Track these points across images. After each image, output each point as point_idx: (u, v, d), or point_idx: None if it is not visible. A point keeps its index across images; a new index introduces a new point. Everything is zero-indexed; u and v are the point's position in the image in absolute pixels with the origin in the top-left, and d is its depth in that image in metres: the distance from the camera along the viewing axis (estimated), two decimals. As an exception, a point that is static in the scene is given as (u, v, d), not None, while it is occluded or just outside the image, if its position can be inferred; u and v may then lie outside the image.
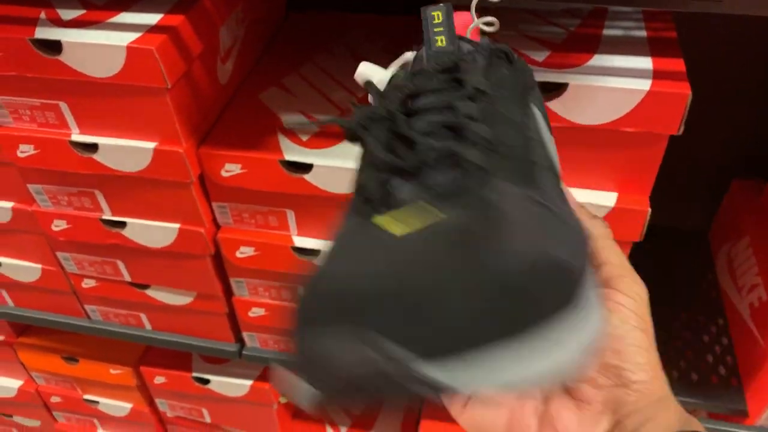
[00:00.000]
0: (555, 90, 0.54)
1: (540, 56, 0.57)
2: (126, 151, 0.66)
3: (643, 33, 0.60)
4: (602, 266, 0.28)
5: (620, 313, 0.26)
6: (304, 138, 0.68)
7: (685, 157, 0.80)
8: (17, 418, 1.22)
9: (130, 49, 0.58)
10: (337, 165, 0.64)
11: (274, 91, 0.76)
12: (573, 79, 0.54)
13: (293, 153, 0.66)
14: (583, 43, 0.59)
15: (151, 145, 0.65)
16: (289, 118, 0.69)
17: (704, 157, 0.94)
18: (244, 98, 0.74)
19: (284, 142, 0.67)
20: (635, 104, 0.53)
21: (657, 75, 0.54)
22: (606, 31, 0.60)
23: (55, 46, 0.59)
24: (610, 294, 0.27)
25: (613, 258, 0.28)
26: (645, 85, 0.53)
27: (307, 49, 0.82)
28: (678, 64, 0.55)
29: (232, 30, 0.72)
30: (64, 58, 0.60)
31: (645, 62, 0.56)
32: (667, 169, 0.59)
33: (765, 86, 0.87)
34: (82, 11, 0.63)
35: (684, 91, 0.52)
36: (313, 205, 0.70)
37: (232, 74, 0.74)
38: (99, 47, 0.58)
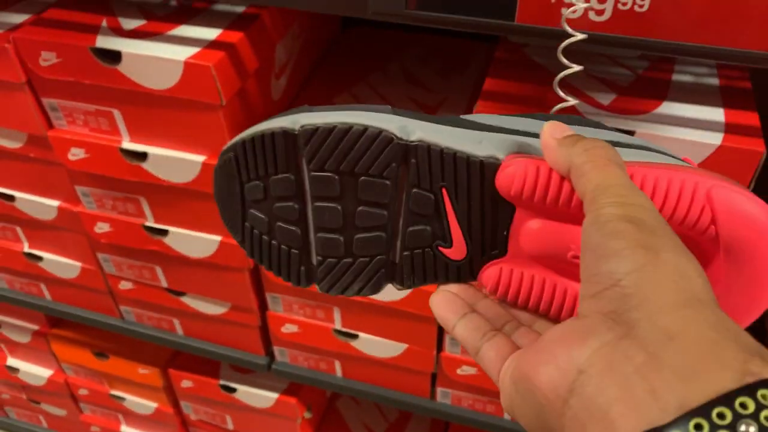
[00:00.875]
0: (620, 137, 0.52)
1: (606, 99, 0.55)
2: (175, 162, 0.66)
3: (716, 81, 0.57)
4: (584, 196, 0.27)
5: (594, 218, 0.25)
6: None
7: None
8: (45, 406, 1.23)
9: (188, 65, 0.57)
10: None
11: (325, 110, 0.75)
12: (639, 127, 0.52)
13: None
14: (651, 88, 0.57)
15: (200, 158, 0.65)
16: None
17: None
18: (295, 115, 0.74)
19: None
20: (704, 158, 0.51)
21: (729, 129, 0.51)
22: (676, 77, 0.58)
23: (114, 56, 0.59)
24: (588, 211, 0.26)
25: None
26: (716, 139, 0.50)
27: (361, 67, 0.81)
28: (752, 118, 0.52)
29: (288, 46, 0.72)
30: (123, 68, 0.60)
31: (717, 113, 0.53)
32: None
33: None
34: (143, 21, 0.63)
35: (758, 148, 0.50)
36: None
37: (285, 90, 0.74)
38: (157, 60, 0.58)
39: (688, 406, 0.18)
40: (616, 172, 0.27)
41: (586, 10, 0.42)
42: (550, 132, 0.30)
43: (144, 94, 0.61)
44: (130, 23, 0.63)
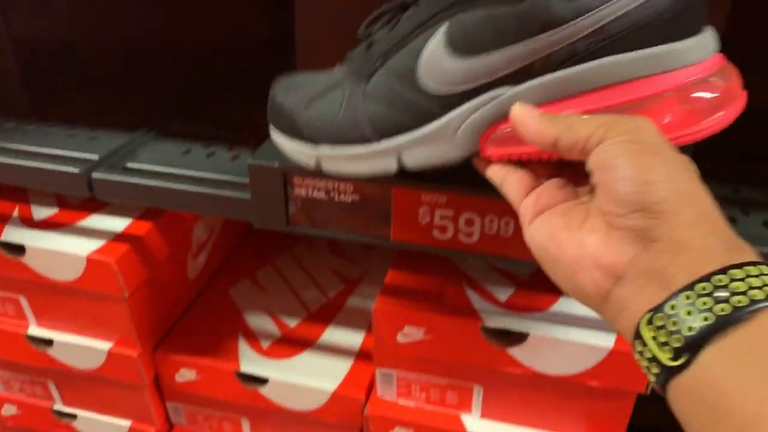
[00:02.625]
0: (517, 337, 0.52)
1: (504, 294, 0.55)
2: (80, 349, 0.64)
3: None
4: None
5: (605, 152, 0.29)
6: (265, 345, 0.66)
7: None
8: None
9: (90, 260, 0.57)
10: (293, 381, 0.61)
11: (245, 285, 0.74)
12: (535, 328, 0.51)
13: (250, 363, 0.63)
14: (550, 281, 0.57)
15: (106, 345, 0.63)
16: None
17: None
18: (214, 292, 0.73)
19: (244, 349, 0.65)
20: (599, 360, 0.51)
21: (622, 329, 0.51)
22: (575, 267, 0.59)
23: (19, 249, 0.59)
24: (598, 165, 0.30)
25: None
26: (609, 341, 0.50)
27: (286, 238, 0.82)
28: (646, 316, 0.53)
29: (208, 224, 0.73)
30: (27, 260, 0.59)
31: (611, 311, 0.53)
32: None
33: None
34: (55, 210, 0.63)
35: (650, 351, 0.49)
36: (270, 416, 0.66)
37: (204, 268, 0.74)
38: (60, 255, 0.58)
39: (695, 278, 0.25)
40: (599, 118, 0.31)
41: (456, 231, 0.43)
42: (526, 112, 0.33)
43: (49, 284, 0.60)
44: (41, 212, 0.63)
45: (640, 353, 0.26)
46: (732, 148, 0.54)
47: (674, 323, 0.25)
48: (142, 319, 0.63)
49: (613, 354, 0.50)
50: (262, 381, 0.62)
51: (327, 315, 0.70)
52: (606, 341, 0.50)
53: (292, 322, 0.69)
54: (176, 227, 0.65)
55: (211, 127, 0.63)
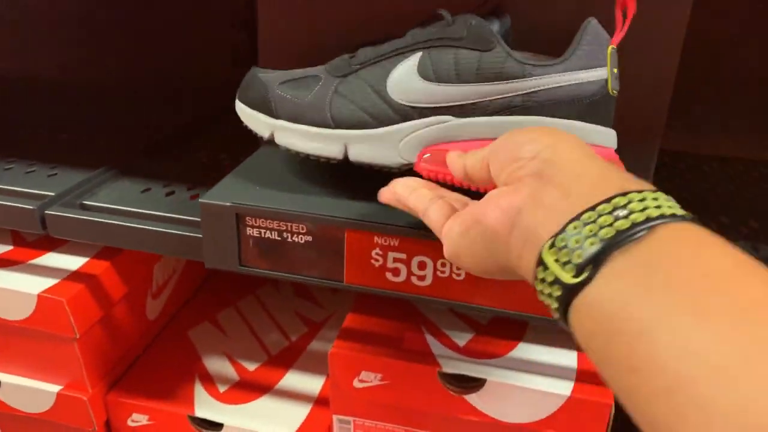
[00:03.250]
0: (474, 383, 0.51)
1: (462, 339, 0.55)
2: (29, 392, 0.62)
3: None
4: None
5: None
6: (222, 389, 0.64)
7: None
8: None
9: (41, 298, 0.56)
10: (248, 427, 0.59)
11: (205, 328, 0.73)
12: (491, 375, 0.51)
13: (205, 408, 0.61)
14: (509, 325, 0.57)
15: (55, 388, 0.61)
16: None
17: None
18: (173, 334, 0.72)
19: (199, 393, 0.63)
20: (557, 408, 0.50)
21: (581, 376, 0.51)
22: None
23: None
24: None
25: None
26: (566, 389, 0.49)
27: (250, 280, 0.81)
28: (604, 364, 0.52)
29: (169, 264, 0.72)
30: (-24, 298, 0.58)
31: (570, 358, 0.53)
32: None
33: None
34: (10, 247, 0.62)
35: (607, 400, 0.49)
36: (224, 464, 0.64)
37: (164, 309, 0.72)
38: (10, 293, 0.56)
39: (596, 200, 0.26)
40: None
41: (409, 275, 0.43)
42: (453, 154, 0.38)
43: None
44: (-4, 249, 0.62)
45: (542, 280, 0.27)
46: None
47: (576, 241, 0.26)
48: (95, 360, 0.61)
49: (570, 401, 0.49)
50: (217, 426, 0.60)
51: (288, 359, 0.68)
52: (564, 389, 0.50)
53: (251, 366, 0.67)
54: (135, 267, 0.64)
55: (172, 167, 0.63)
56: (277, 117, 0.45)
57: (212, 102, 0.84)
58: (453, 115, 0.41)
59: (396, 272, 0.43)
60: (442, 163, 0.40)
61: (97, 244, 0.62)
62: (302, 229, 0.43)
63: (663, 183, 0.62)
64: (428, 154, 0.42)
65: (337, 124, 0.43)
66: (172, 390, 0.63)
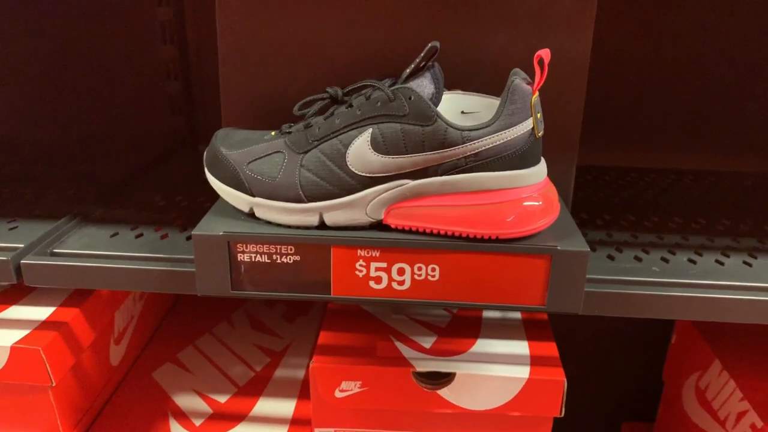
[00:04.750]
0: (445, 378, 0.57)
1: (427, 342, 0.61)
2: (-3, 450, 0.61)
3: (518, 315, 0.66)
4: None
5: None
6: (197, 422, 0.66)
7: (573, 406, 0.84)
8: None
9: (15, 350, 0.56)
10: (231, 454, 0.62)
11: (168, 368, 0.74)
12: (460, 368, 0.57)
13: (185, 442, 0.63)
14: (466, 326, 0.64)
15: (27, 442, 0.61)
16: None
17: (593, 405, 0.98)
18: (137, 378, 0.72)
19: (176, 429, 0.65)
20: (518, 391, 0.57)
21: (534, 361, 0.58)
22: (486, 314, 0.66)
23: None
24: None
25: None
26: (524, 373, 0.57)
27: (207, 318, 0.83)
28: (552, 349, 0.60)
29: (128, 310, 0.73)
30: (-60, 358, 0.57)
31: (522, 347, 0.60)
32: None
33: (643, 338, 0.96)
34: (-31, 305, 0.62)
35: (559, 377, 0.56)
36: (205, 496, 0.65)
37: (126, 354, 0.73)
38: (-19, 348, 0.56)
39: None
40: None
41: (390, 281, 0.49)
42: None
43: (-36, 382, 0.58)
44: (-47, 309, 0.61)
45: None
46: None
47: None
48: (68, 409, 0.61)
49: (529, 383, 0.56)
50: (199, 459, 0.62)
51: (256, 388, 0.71)
52: (522, 373, 0.57)
53: (222, 398, 0.69)
54: (99, 313, 0.65)
55: (133, 212, 0.65)
56: (252, 195, 0.50)
57: (155, 148, 0.86)
58: (409, 179, 0.47)
59: (378, 280, 0.49)
60: (407, 217, 0.48)
61: (64, 291, 0.63)
62: (290, 250, 0.48)
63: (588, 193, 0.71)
64: (394, 210, 0.48)
65: (310, 199, 0.48)
66: (148, 430, 0.65)
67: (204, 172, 0.54)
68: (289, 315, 0.85)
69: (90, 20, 0.85)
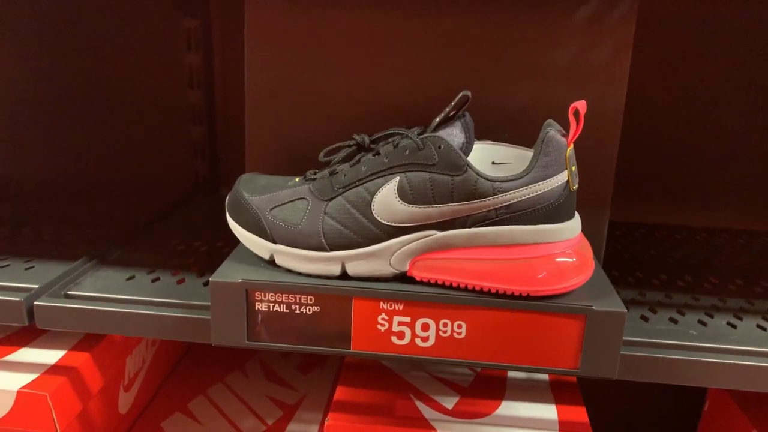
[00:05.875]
0: (466, 441, 0.54)
1: (449, 403, 0.58)
2: (-5, 501, 0.58)
3: (545, 375, 0.63)
4: None
5: None
6: (205, 479, 0.63)
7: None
8: None
9: (21, 394, 0.54)
10: None
11: (178, 418, 0.72)
12: (483, 432, 0.54)
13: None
14: (490, 387, 0.60)
15: (27, 493, 0.58)
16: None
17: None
18: (145, 427, 0.70)
19: (182, 485, 0.62)
20: (545, 458, 0.53)
21: (563, 427, 0.55)
22: (511, 374, 0.63)
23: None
24: None
25: None
26: (553, 439, 0.53)
27: (219, 367, 0.81)
28: (581, 414, 0.57)
29: (140, 355, 0.71)
30: (-55, 400, 0.55)
31: (550, 411, 0.57)
32: None
33: (665, 402, 0.91)
34: None
35: (590, 445, 0.53)
36: None
37: (135, 401, 0.70)
38: (-13, 391, 0.54)
39: None
40: None
41: (413, 336, 0.46)
42: None
43: (-33, 427, 0.56)
44: (-38, 349, 0.59)
45: None
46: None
47: None
48: (72, 459, 0.58)
49: (558, 451, 0.53)
50: None
51: (267, 443, 0.68)
52: (550, 439, 0.53)
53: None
54: (111, 359, 0.63)
55: (150, 255, 0.64)
56: (274, 242, 0.48)
57: (177, 191, 0.86)
58: (436, 230, 0.45)
59: (401, 336, 0.46)
60: (433, 269, 0.46)
61: (77, 334, 0.62)
62: (310, 300, 0.46)
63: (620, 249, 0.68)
64: (419, 262, 0.46)
65: (332, 248, 0.47)
66: (152, 485, 0.62)
67: (225, 217, 0.52)
68: (304, 367, 0.82)
69: (119, 62, 0.87)
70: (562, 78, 0.55)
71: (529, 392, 0.60)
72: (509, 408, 0.57)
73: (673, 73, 0.78)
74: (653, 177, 0.82)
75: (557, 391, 0.60)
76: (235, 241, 0.54)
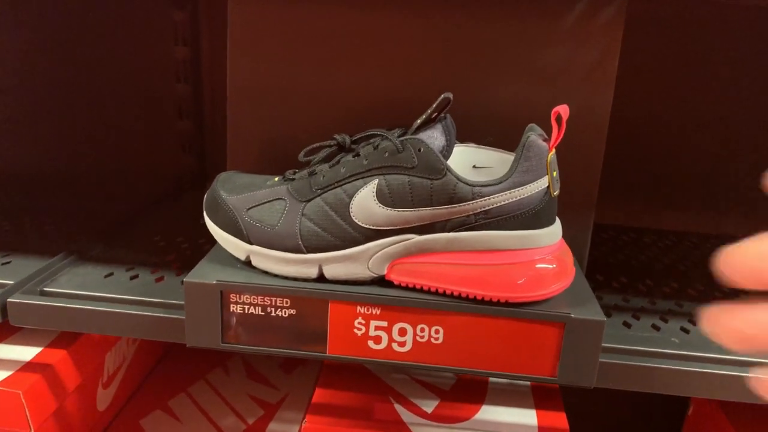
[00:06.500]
0: (444, 447, 0.53)
1: (429, 406, 0.57)
2: (-32, 498, 0.57)
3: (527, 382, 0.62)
4: None
5: None
6: (183, 479, 0.62)
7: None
8: None
9: (-5, 392, 0.53)
10: None
11: (157, 416, 0.71)
12: (461, 437, 0.53)
13: (167, 500, 0.59)
14: (470, 390, 0.60)
15: (0, 491, 0.57)
16: None
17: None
18: (124, 425, 0.69)
19: (159, 485, 0.61)
20: (524, 465, 0.53)
21: (542, 432, 0.54)
22: (492, 378, 0.62)
23: None
24: None
25: None
26: (531, 445, 0.53)
27: (201, 364, 0.80)
28: (561, 420, 0.56)
29: (121, 352, 0.70)
30: None
31: (530, 416, 0.57)
32: None
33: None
34: (-46, 340, 0.59)
35: (569, 453, 0.52)
36: None
37: (114, 398, 0.70)
38: (-41, 388, 0.54)
39: None
40: None
41: (390, 341, 0.46)
42: None
43: (-60, 423, 0.55)
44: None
45: None
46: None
47: None
48: (46, 457, 0.58)
49: (536, 457, 0.52)
50: None
51: (247, 443, 0.67)
52: (529, 445, 0.53)
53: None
54: (89, 356, 0.62)
55: (131, 252, 0.63)
56: (250, 243, 0.47)
57: (164, 186, 0.85)
58: (414, 233, 0.44)
59: (377, 340, 0.46)
60: (411, 273, 0.45)
61: (52, 332, 0.61)
62: (286, 303, 0.46)
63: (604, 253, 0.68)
64: (397, 265, 0.46)
65: (309, 250, 0.46)
66: (128, 484, 0.61)
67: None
68: (287, 365, 0.82)
69: (105, 56, 0.85)
70: (549, 80, 0.54)
71: (509, 397, 0.59)
72: (488, 412, 0.57)
73: (661, 76, 0.78)
74: (643, 180, 0.82)
75: (538, 397, 0.60)
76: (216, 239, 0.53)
